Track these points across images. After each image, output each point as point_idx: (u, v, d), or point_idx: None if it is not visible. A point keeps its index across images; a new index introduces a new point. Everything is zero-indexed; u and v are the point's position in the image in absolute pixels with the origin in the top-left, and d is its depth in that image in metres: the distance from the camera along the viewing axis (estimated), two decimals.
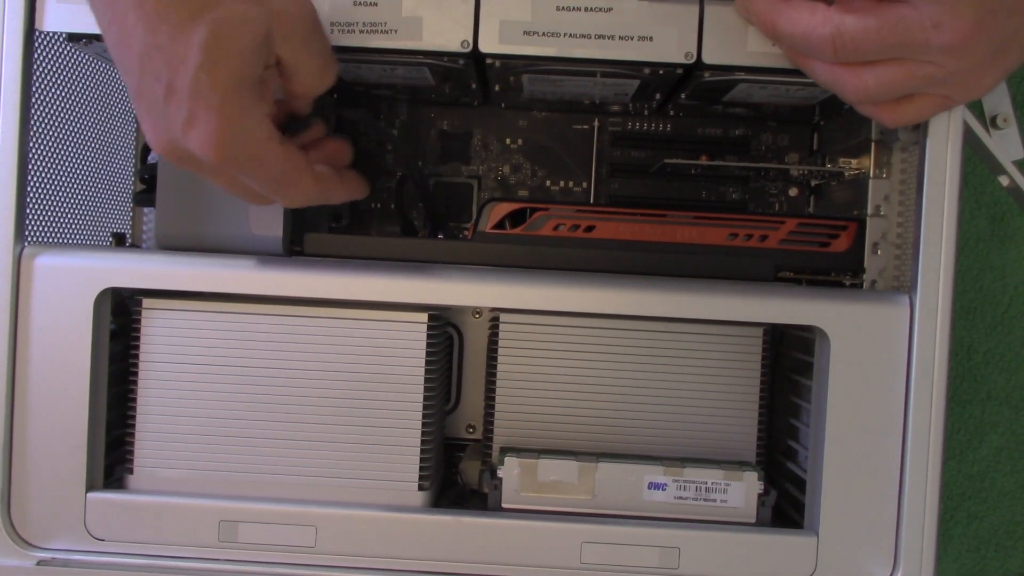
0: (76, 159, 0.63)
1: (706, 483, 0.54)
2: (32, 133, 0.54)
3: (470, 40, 0.52)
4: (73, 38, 0.54)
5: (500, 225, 0.58)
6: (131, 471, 0.54)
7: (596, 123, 0.72)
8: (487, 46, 0.52)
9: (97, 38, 0.53)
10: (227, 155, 0.45)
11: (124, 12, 0.44)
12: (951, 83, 0.47)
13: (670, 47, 0.52)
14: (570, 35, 0.52)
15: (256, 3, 0.45)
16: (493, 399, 0.57)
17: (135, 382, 0.54)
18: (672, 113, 0.71)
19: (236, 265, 0.52)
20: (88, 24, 0.52)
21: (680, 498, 0.54)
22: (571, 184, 0.73)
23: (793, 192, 0.72)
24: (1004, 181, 0.54)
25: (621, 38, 0.52)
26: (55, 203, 0.60)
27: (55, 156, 0.60)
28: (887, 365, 0.51)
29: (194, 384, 0.54)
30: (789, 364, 0.61)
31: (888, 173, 0.58)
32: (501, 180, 0.73)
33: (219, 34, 0.44)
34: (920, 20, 0.44)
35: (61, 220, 0.61)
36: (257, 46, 0.45)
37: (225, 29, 0.44)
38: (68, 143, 0.62)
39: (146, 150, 0.67)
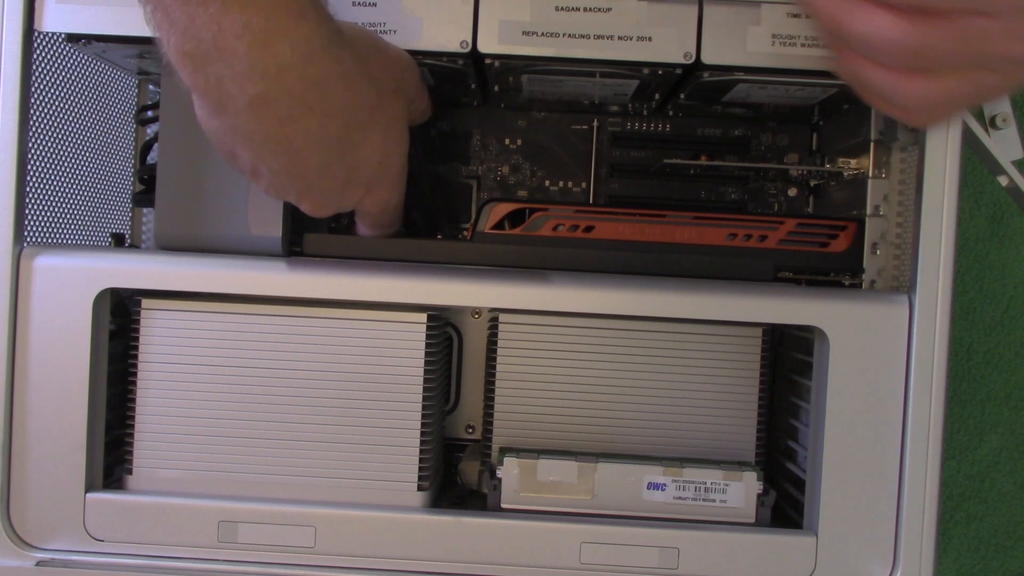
0: (76, 159, 0.63)
1: (705, 483, 0.54)
2: (32, 133, 0.54)
3: (469, 40, 0.52)
4: (72, 38, 0.54)
5: (499, 225, 0.58)
6: (130, 471, 0.54)
7: (595, 123, 0.72)
8: (486, 46, 0.52)
9: (96, 38, 0.54)
10: (385, 217, 0.55)
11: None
12: (1003, 90, 0.46)
13: (669, 47, 0.52)
14: (569, 35, 0.52)
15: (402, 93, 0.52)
16: (492, 399, 0.57)
17: (134, 382, 0.54)
18: (671, 113, 0.71)
19: (235, 265, 0.52)
20: (87, 24, 0.52)
21: (679, 498, 0.54)
22: (570, 184, 0.73)
23: (792, 192, 0.72)
24: (1003, 181, 0.54)
25: (620, 38, 0.52)
26: (55, 203, 0.60)
27: (55, 156, 0.60)
28: (886, 365, 0.51)
29: (193, 384, 0.54)
30: (789, 364, 0.61)
31: (887, 173, 0.58)
32: (500, 180, 0.73)
33: (384, 133, 0.50)
34: (1003, 32, 0.41)
35: (61, 220, 0.61)
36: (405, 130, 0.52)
37: (391, 124, 0.51)
38: (68, 143, 0.62)
39: (146, 150, 0.67)
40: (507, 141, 0.73)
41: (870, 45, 0.43)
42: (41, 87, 0.57)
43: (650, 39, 0.52)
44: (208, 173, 0.54)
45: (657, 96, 0.64)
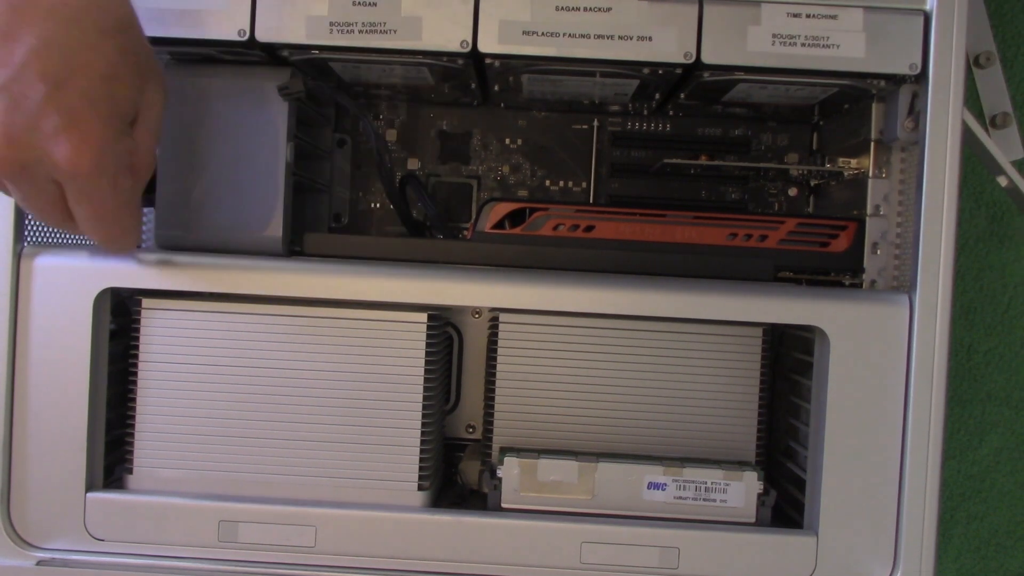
0: None
1: (706, 483, 0.54)
2: None
3: (469, 40, 0.52)
4: None
5: (500, 225, 0.58)
6: (131, 471, 0.54)
7: (596, 123, 0.72)
8: (486, 46, 0.52)
9: None
10: (84, 168, 0.44)
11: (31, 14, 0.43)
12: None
13: (669, 47, 0.52)
14: (569, 35, 0.52)
15: (145, 50, 0.47)
16: (493, 399, 0.57)
17: (135, 382, 0.54)
18: (672, 113, 0.71)
19: (236, 265, 0.52)
20: None
21: (680, 498, 0.54)
22: (571, 184, 0.73)
23: (793, 192, 0.72)
24: (1003, 181, 0.54)
25: (620, 38, 0.52)
26: None
27: None
28: (887, 365, 0.51)
29: (193, 384, 0.54)
30: (789, 364, 0.61)
31: (887, 173, 0.58)
32: (501, 180, 0.73)
33: (123, 54, 0.45)
34: None
35: None
36: (137, 83, 0.46)
37: (128, 54, 0.46)
38: None
39: None
40: (507, 141, 0.73)
41: None
42: None
43: (650, 39, 0.52)
44: (208, 173, 0.54)
45: (657, 96, 0.64)
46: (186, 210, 0.55)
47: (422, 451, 0.54)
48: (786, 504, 0.58)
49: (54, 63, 0.43)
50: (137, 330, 0.54)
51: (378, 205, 0.73)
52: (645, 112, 0.71)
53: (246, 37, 0.52)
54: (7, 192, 0.47)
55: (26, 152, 0.44)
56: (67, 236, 0.62)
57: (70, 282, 0.52)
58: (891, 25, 0.51)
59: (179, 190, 0.55)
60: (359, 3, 0.52)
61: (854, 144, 0.62)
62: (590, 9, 0.51)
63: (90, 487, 0.53)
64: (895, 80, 0.53)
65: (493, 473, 0.54)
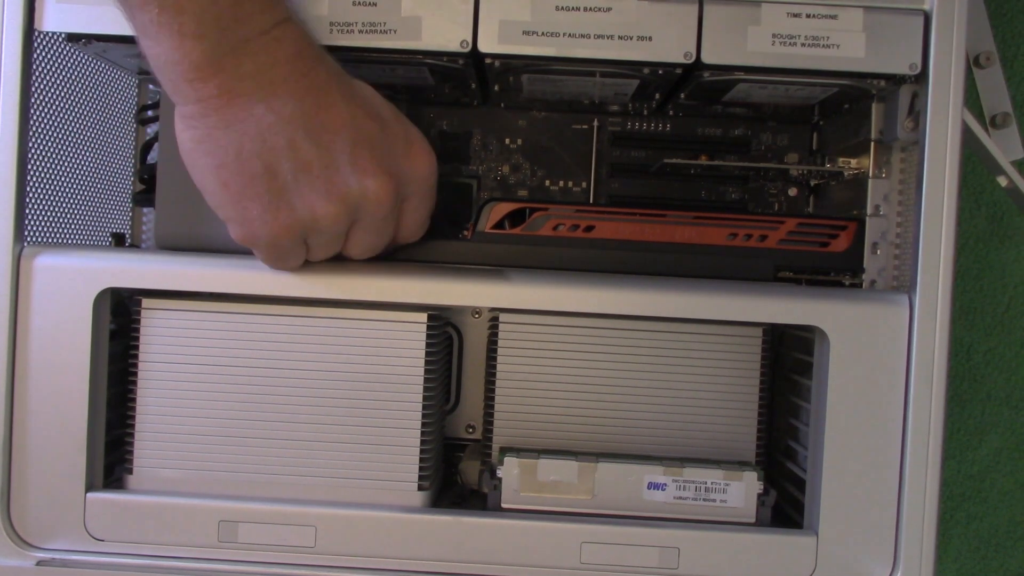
0: (76, 159, 0.63)
1: (706, 483, 0.54)
2: (32, 133, 0.54)
3: (469, 40, 0.52)
4: (72, 38, 0.54)
5: (500, 225, 0.58)
6: (131, 471, 0.54)
7: (596, 123, 0.72)
8: (486, 46, 0.52)
9: (97, 38, 0.53)
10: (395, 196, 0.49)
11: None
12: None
13: (669, 47, 0.52)
14: (569, 35, 0.52)
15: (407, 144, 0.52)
16: (493, 399, 0.57)
17: (135, 382, 0.54)
18: (672, 113, 0.71)
19: (236, 265, 0.52)
20: (87, 24, 0.52)
21: (680, 498, 0.54)
22: (571, 184, 0.73)
23: (793, 192, 0.72)
24: (1003, 181, 0.54)
25: (620, 38, 0.52)
26: (55, 203, 0.60)
27: (55, 156, 0.60)
28: (887, 365, 0.51)
29: (193, 384, 0.54)
30: (789, 364, 0.61)
31: (887, 173, 0.58)
32: (501, 180, 0.73)
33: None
34: None
35: (61, 220, 0.61)
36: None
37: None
38: (68, 143, 0.62)
39: (146, 150, 0.67)
40: (507, 141, 0.73)
41: None
42: (41, 87, 0.57)
43: (650, 39, 0.52)
44: None
45: (657, 96, 0.64)
46: (186, 210, 0.55)
47: (422, 451, 0.54)
48: (786, 504, 0.58)
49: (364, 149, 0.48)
50: (137, 330, 0.54)
51: None
52: (645, 112, 0.71)
53: None
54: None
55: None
56: (67, 236, 0.62)
57: (70, 282, 0.52)
58: (891, 25, 0.51)
59: (179, 190, 0.55)
60: (359, 3, 0.52)
61: (854, 144, 0.62)
62: (590, 9, 0.51)
63: (90, 487, 0.53)
64: (895, 80, 0.53)
65: (493, 473, 0.54)
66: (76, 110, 0.63)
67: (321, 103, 0.46)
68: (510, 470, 0.54)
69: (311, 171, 0.46)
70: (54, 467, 0.52)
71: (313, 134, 0.46)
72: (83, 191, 0.64)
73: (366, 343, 0.54)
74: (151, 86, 0.73)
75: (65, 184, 0.61)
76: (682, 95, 0.61)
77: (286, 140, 0.46)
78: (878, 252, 0.58)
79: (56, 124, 0.60)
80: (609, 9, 0.51)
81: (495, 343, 0.57)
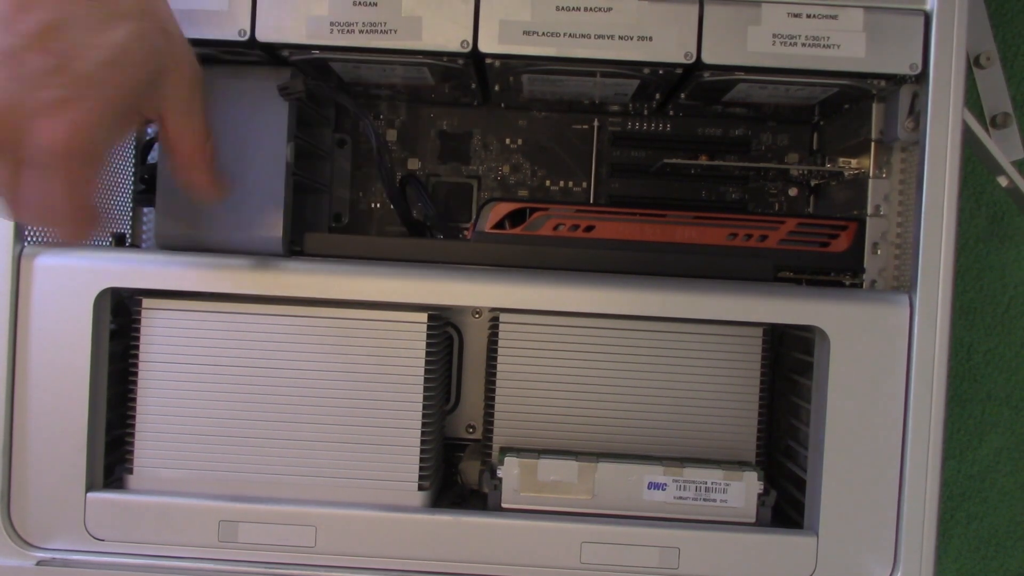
0: None
1: (706, 483, 0.54)
2: None
3: (470, 40, 0.52)
4: None
5: (500, 225, 0.58)
6: (131, 471, 0.54)
7: (596, 123, 0.72)
8: (487, 46, 0.52)
9: None
10: (75, 149, 0.42)
11: None
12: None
13: (670, 47, 0.52)
14: (570, 35, 0.52)
15: (166, 38, 0.46)
16: (493, 399, 0.57)
17: (135, 382, 0.54)
18: (672, 113, 0.71)
19: (236, 265, 0.52)
20: None
21: (680, 498, 0.54)
22: (571, 184, 0.73)
23: (793, 192, 0.72)
24: (1003, 181, 0.54)
25: (621, 38, 0.52)
26: None
27: None
28: (887, 365, 0.51)
29: (194, 384, 0.54)
30: (789, 364, 0.61)
31: (888, 173, 0.58)
32: (501, 180, 0.73)
33: (138, 40, 0.44)
34: None
35: None
36: (150, 74, 0.46)
37: (144, 40, 0.44)
38: None
39: (146, 150, 0.67)
40: (508, 141, 0.73)
41: None
42: None
43: (651, 39, 0.52)
44: None
45: (657, 96, 0.64)
46: (186, 210, 0.55)
47: (422, 451, 0.54)
48: (786, 504, 0.58)
49: (64, 39, 0.42)
50: (137, 330, 0.54)
51: (378, 205, 0.73)
52: (645, 112, 0.71)
53: (246, 37, 0.52)
54: None
55: (10, 122, 0.42)
56: None
57: (70, 282, 0.52)
58: (891, 25, 0.51)
59: (179, 190, 0.55)
60: (359, 3, 0.52)
61: (854, 144, 0.62)
62: (590, 9, 0.51)
63: (90, 487, 0.53)
64: (895, 80, 0.53)
65: (493, 473, 0.54)
66: None
67: None
68: (510, 470, 0.54)
69: None
70: (54, 467, 0.52)
71: None
72: None
73: (366, 343, 0.54)
74: None
75: None
76: (682, 95, 0.61)
77: None
78: (878, 252, 0.58)
79: None
80: (609, 9, 0.51)
81: (495, 343, 0.57)
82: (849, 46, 0.51)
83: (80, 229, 0.45)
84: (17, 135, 0.42)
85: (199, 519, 0.52)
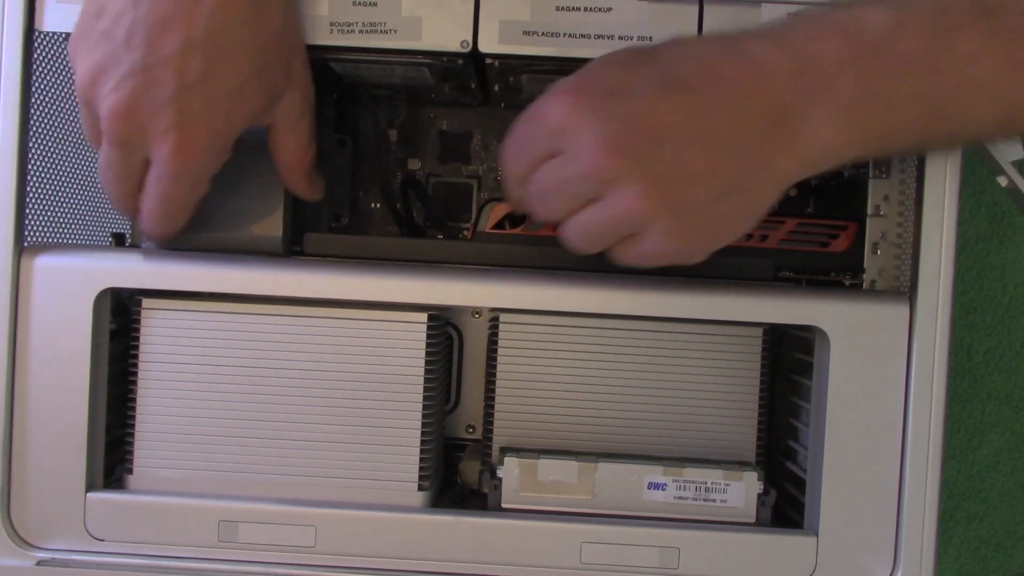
0: (76, 159, 0.63)
1: (706, 483, 0.54)
2: (32, 133, 0.54)
3: (469, 40, 0.52)
4: None
5: (500, 225, 0.58)
6: (131, 471, 0.54)
7: None
8: (486, 46, 0.52)
9: None
10: (177, 172, 0.48)
11: None
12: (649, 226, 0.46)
13: None
14: (570, 35, 0.52)
15: (285, 70, 0.50)
16: (493, 399, 0.57)
17: (135, 382, 0.54)
18: None
19: (236, 265, 0.52)
20: None
21: (680, 498, 0.54)
22: None
23: (793, 192, 0.72)
24: (1003, 182, 0.54)
25: (621, 38, 0.52)
26: (55, 203, 0.60)
27: (55, 156, 0.60)
28: (887, 365, 0.51)
29: (194, 384, 0.54)
30: (789, 364, 0.61)
31: (888, 173, 0.58)
32: (501, 180, 0.73)
33: (258, 75, 0.48)
34: (567, 162, 0.45)
35: (61, 220, 0.61)
36: (263, 109, 0.50)
37: (264, 74, 0.48)
38: (68, 143, 0.62)
39: None
40: None
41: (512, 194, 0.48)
42: (41, 87, 0.57)
43: (650, 39, 0.52)
44: None
45: None
46: None
47: (422, 451, 0.54)
48: (786, 504, 0.58)
49: (193, 65, 0.46)
50: (137, 330, 0.54)
51: (378, 205, 0.72)
52: None
53: None
54: (97, 143, 0.49)
55: (138, 130, 0.47)
56: (67, 236, 0.62)
57: (70, 282, 0.52)
58: None
59: None
60: (359, 3, 0.52)
61: None
62: (590, 9, 0.51)
63: (90, 487, 0.53)
64: None
65: (493, 473, 0.54)
66: (76, 110, 0.63)
67: None
68: (510, 470, 0.54)
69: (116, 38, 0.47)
70: (54, 467, 0.52)
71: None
72: (83, 191, 0.64)
73: (366, 343, 0.54)
74: None
75: (65, 184, 0.61)
76: None
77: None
78: (878, 252, 0.58)
79: (56, 124, 0.60)
80: (609, 9, 0.51)
81: (495, 343, 0.57)
82: None
83: (163, 233, 0.52)
84: (141, 141, 0.48)
85: (199, 519, 0.52)
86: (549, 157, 0.46)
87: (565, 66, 0.54)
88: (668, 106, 0.43)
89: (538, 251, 0.55)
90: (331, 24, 0.52)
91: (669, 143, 0.43)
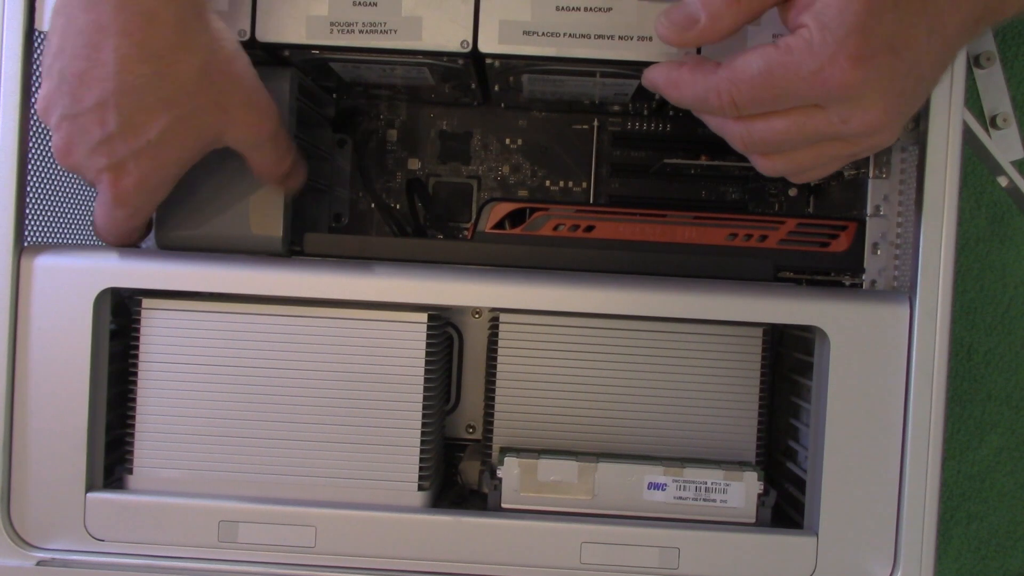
0: None
1: (706, 483, 0.54)
2: (32, 133, 0.54)
3: (470, 40, 0.52)
4: None
5: (500, 225, 0.58)
6: (131, 471, 0.54)
7: (596, 123, 0.72)
8: (487, 46, 0.52)
9: None
10: (119, 201, 0.51)
11: (112, 26, 0.47)
12: (856, 154, 0.49)
13: (670, 47, 0.51)
14: (570, 35, 0.52)
15: (219, 110, 0.50)
16: (493, 399, 0.57)
17: (135, 382, 0.54)
18: (672, 113, 0.71)
19: (236, 265, 0.52)
20: None
21: (680, 498, 0.54)
22: (571, 184, 0.73)
23: (793, 192, 0.72)
24: (1003, 181, 0.54)
25: (621, 38, 0.52)
26: (55, 203, 0.60)
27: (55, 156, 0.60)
28: (887, 365, 0.51)
29: (194, 384, 0.54)
30: (789, 364, 0.61)
31: (888, 173, 0.58)
32: (501, 180, 0.73)
33: (184, 122, 0.49)
34: (828, 120, 0.45)
35: (61, 220, 0.61)
36: (201, 148, 0.51)
37: (192, 121, 0.49)
38: None
39: None
40: (508, 141, 0.73)
41: (704, 107, 0.49)
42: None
43: (650, 39, 0.52)
44: (208, 173, 0.54)
45: (657, 96, 0.63)
46: (186, 210, 0.55)
47: (422, 451, 0.54)
48: (786, 504, 0.58)
49: (109, 119, 0.48)
50: (137, 330, 0.54)
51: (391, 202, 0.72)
52: (645, 112, 0.71)
53: (247, 37, 0.52)
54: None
55: (76, 166, 0.51)
56: (67, 236, 0.62)
57: (70, 282, 0.52)
58: None
59: (179, 190, 0.55)
60: (359, 3, 0.52)
61: None
62: (590, 9, 0.51)
63: (90, 487, 0.53)
64: None
65: (493, 473, 0.54)
66: None
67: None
68: (510, 470, 0.54)
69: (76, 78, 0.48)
70: (54, 467, 0.52)
71: (92, 47, 0.47)
72: (83, 191, 0.64)
73: (366, 343, 0.54)
74: None
75: (65, 184, 0.61)
76: None
77: (83, 41, 0.47)
78: (878, 252, 0.58)
79: None
80: (609, 9, 0.51)
81: (495, 343, 0.57)
82: None
83: (116, 244, 0.54)
84: (85, 170, 0.51)
85: (199, 519, 0.52)
86: (802, 107, 0.46)
87: (565, 66, 0.54)
88: (931, 58, 0.46)
89: (538, 251, 0.55)
90: (331, 24, 0.52)
91: (916, 68, 0.46)
